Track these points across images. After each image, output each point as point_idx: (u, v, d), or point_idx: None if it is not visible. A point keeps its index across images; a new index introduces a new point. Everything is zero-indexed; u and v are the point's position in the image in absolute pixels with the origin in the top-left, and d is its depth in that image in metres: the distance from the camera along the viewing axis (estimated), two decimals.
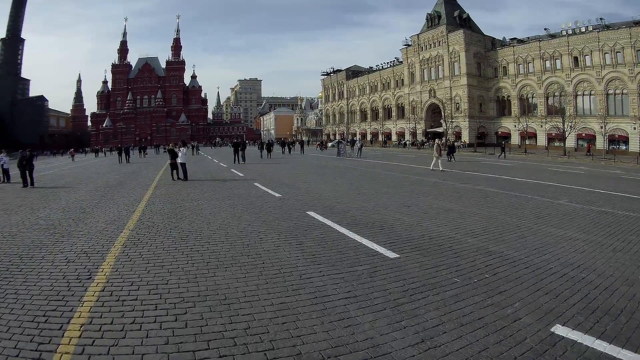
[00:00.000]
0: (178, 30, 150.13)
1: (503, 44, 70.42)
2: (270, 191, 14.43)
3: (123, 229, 8.95)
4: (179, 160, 19.57)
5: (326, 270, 5.86)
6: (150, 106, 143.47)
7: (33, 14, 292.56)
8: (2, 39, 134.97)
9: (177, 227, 9.03)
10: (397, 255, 6.44)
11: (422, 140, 71.08)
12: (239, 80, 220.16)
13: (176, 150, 20.17)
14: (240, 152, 30.47)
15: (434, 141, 27.60)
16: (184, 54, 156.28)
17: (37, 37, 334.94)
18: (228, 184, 17.82)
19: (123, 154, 41.33)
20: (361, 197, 12.97)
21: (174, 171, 19.61)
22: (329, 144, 68.24)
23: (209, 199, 13.34)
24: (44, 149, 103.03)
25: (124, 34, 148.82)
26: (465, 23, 72.00)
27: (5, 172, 22.48)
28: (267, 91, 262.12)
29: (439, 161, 22.35)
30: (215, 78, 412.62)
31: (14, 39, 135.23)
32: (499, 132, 68.22)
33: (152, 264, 6.42)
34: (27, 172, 19.12)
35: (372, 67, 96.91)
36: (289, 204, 11.75)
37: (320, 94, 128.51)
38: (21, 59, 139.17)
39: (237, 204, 12.00)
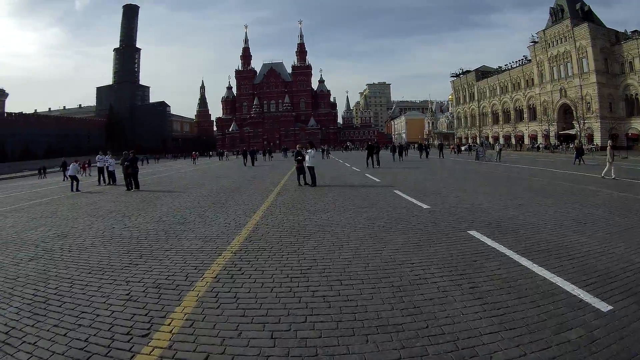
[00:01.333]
0: (301, 36, 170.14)
1: (627, 37, 72.62)
2: (415, 201, 13.17)
3: (224, 250, 7.56)
4: (306, 164, 18.90)
5: (526, 343, 4.02)
6: (278, 111, 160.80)
7: (150, 26, 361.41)
8: (116, 48, 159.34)
9: (297, 252, 7.32)
10: (610, 307, 4.81)
11: (556, 143, 75.15)
12: (368, 84, 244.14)
13: (303, 152, 19.44)
14: (374, 156, 31.93)
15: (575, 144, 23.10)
16: (310, 60, 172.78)
17: (159, 47, 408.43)
18: (363, 191, 16.51)
19: (248, 157, 44.38)
20: (523, 209, 11.32)
21: (301, 176, 18.92)
22: (463, 148, 71.58)
23: (341, 210, 11.78)
24: (167, 153, 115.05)
25: (246, 41, 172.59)
26: (587, 16, 76.10)
27: (111, 174, 24.47)
28: (396, 95, 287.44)
29: (612, 168, 20.35)
30: (343, 83, 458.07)
31: (129, 49, 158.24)
32: (629, 134, 70.37)
33: (249, 317, 4.67)
34: (130, 174, 20.17)
35: (500, 67, 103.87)
36: (441, 219, 10.19)
37: (450, 97, 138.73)
38: (138, 67, 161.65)
39: (377, 217, 10.51)
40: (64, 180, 33.43)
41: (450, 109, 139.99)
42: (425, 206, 11.87)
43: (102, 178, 24.88)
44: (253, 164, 42.74)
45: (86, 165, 44.67)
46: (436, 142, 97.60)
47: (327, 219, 10.24)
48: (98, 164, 25.33)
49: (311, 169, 18.79)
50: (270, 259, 6.87)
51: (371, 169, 28.81)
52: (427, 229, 8.96)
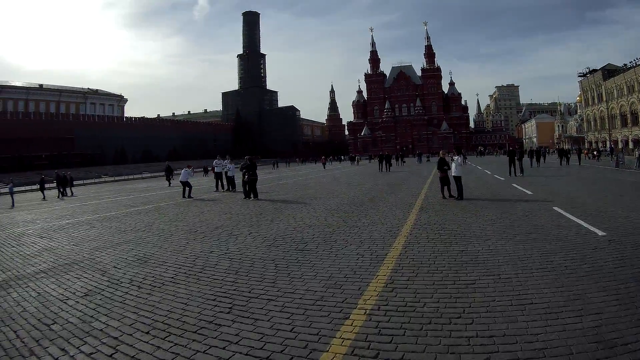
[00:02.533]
0: (428, 37, 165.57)
1: None
2: (583, 223, 10.38)
3: (354, 306, 5.19)
4: (452, 173, 16.46)
5: None
6: (409, 114, 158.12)
7: (276, 33, 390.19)
8: (239, 55, 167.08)
9: (463, 317, 4.77)
10: None
11: None
12: (497, 86, 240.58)
13: (448, 159, 17.04)
14: (517, 162, 29.86)
15: None
16: (438, 62, 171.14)
17: (286, 54, 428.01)
18: (517, 207, 13.72)
19: (384, 162, 42.18)
20: None
21: (445, 187, 16.30)
22: (595, 153, 66.56)
23: (502, 236, 8.97)
24: (297, 157, 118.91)
25: (372, 44, 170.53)
26: None
27: (230, 180, 23.40)
28: (524, 97, 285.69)
29: None
30: (470, 86, 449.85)
31: (253, 55, 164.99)
32: None
33: None
34: (247, 182, 18.80)
35: (625, 65, 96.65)
36: (627, 253, 7.44)
37: (578, 98, 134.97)
38: (264, 73, 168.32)
39: (551, 250, 7.85)
40: (169, 185, 33.31)
41: (578, 111, 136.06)
42: (599, 232, 9.19)
43: (220, 184, 24.04)
44: (389, 170, 40.77)
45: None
46: (567, 147, 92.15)
47: (490, 253, 7.49)
48: (216, 169, 24.59)
49: (457, 179, 16.12)
50: (424, 331, 4.37)
51: (514, 177, 25.86)
52: (620, 271, 6.35)
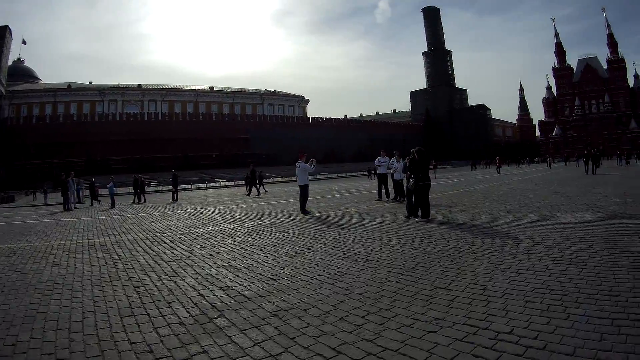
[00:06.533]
0: (609, 25, 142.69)
1: None
2: None
3: None
4: None
5: None
6: (599, 111, 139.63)
7: (460, 33, 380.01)
8: (424, 52, 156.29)
9: None
10: None
11: None
12: None
13: None
14: None
15: None
16: (623, 52, 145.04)
17: (472, 53, 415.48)
18: None
19: (590, 163, 35.74)
20: None
21: None
22: None
23: None
24: (487, 158, 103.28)
25: (556, 35, 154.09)
26: None
27: (397, 185, 15.99)
28: None
29: None
30: None
31: (438, 52, 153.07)
32: None
33: None
34: (412, 191, 10.77)
35: None
36: None
37: None
38: (451, 70, 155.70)
39: None
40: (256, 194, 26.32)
41: None
42: None
43: (384, 190, 16.44)
44: (595, 172, 32.89)
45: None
46: None
47: None
48: (379, 170, 17.02)
49: None
50: None
51: None
52: None
